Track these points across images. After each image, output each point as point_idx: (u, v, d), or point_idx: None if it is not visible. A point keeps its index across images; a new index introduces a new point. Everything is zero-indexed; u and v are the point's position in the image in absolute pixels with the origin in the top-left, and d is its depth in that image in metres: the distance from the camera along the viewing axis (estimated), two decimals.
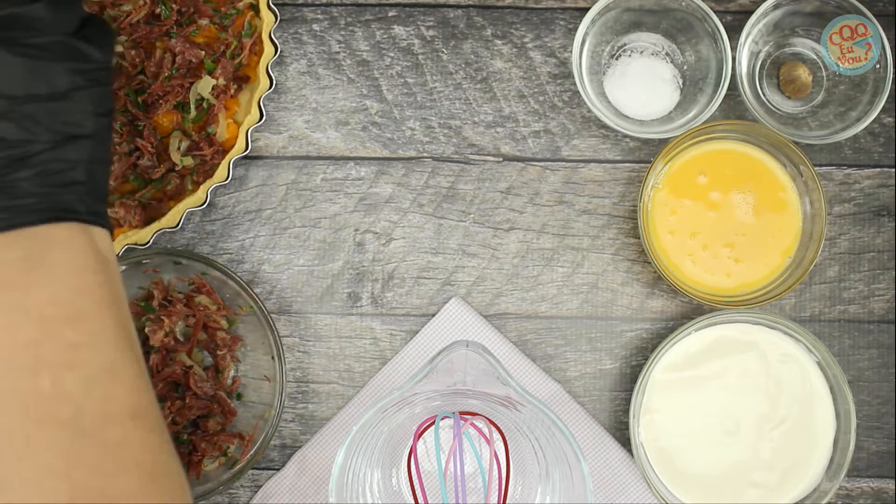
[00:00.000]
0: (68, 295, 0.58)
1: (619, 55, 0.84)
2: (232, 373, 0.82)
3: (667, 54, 0.84)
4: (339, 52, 0.85)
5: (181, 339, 0.81)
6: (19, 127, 0.59)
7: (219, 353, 0.81)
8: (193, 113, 0.80)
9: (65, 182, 0.60)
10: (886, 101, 0.80)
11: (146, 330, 0.80)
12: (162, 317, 0.80)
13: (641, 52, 0.83)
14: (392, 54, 0.85)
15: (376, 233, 0.84)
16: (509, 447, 0.74)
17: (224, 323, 0.81)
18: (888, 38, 0.80)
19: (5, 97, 0.59)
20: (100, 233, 0.61)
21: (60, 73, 0.60)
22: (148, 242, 0.79)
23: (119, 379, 0.58)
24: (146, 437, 0.57)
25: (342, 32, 0.85)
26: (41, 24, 0.60)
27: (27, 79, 0.59)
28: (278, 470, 0.83)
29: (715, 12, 0.80)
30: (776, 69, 0.85)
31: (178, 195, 0.80)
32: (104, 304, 0.59)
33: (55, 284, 0.58)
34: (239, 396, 0.82)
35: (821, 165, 0.84)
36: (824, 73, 0.84)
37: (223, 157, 0.80)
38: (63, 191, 0.60)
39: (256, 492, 0.83)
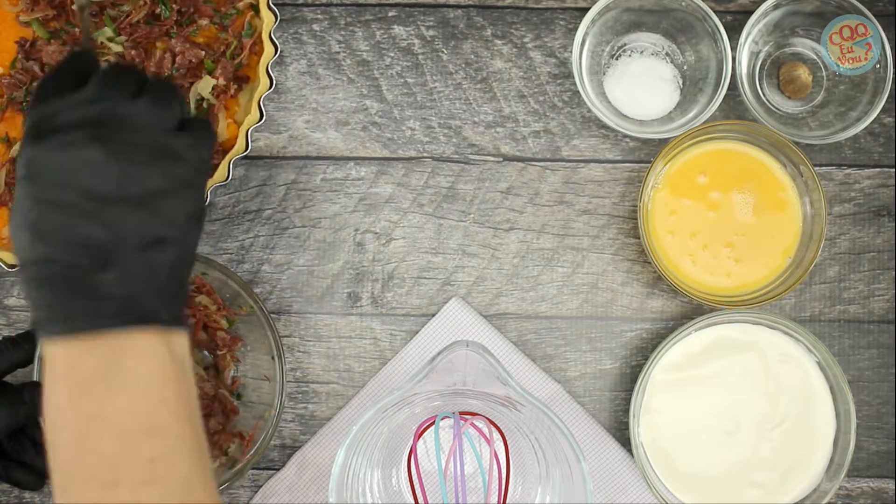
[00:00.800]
0: (147, 406, 0.57)
1: (619, 55, 0.84)
2: (232, 373, 0.82)
3: (667, 54, 0.84)
4: (339, 52, 0.85)
5: None
6: (106, 229, 0.57)
7: (218, 352, 0.81)
8: (193, 113, 0.80)
9: (148, 287, 0.58)
10: (886, 101, 0.80)
11: None
12: None
13: (641, 52, 0.83)
14: (392, 54, 0.85)
15: (376, 233, 0.84)
16: (509, 447, 0.74)
17: (224, 323, 0.81)
18: (888, 38, 0.80)
19: (95, 198, 0.56)
20: (179, 338, 0.60)
21: (155, 176, 0.58)
22: None
23: (192, 493, 0.57)
24: None
25: (342, 32, 0.85)
26: (139, 122, 0.58)
27: (120, 181, 0.57)
28: (278, 470, 0.83)
29: (715, 12, 0.80)
30: (776, 69, 0.85)
31: None
32: (181, 416, 0.58)
33: (134, 395, 0.57)
34: (239, 396, 0.82)
35: (821, 165, 0.84)
36: (824, 73, 0.84)
37: (223, 157, 0.80)
38: (146, 296, 0.58)
39: (256, 492, 0.83)
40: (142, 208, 0.58)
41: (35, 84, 0.80)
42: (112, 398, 0.56)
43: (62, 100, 0.58)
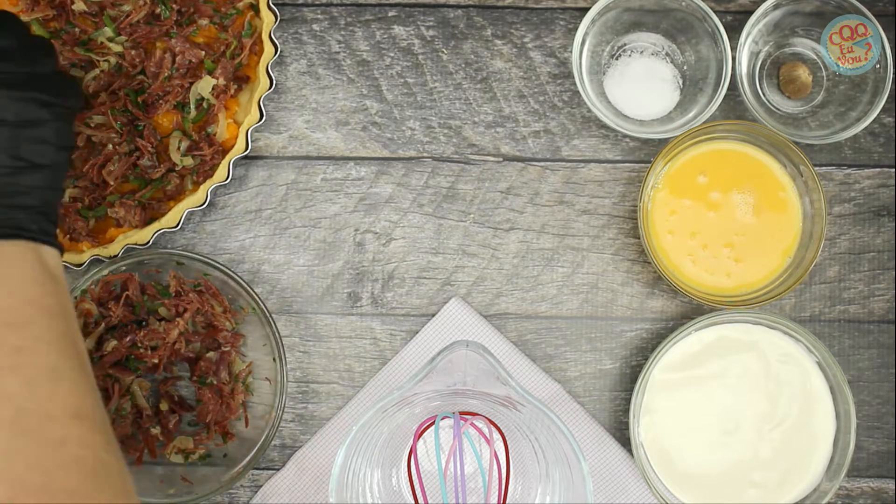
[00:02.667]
0: (13, 303, 0.61)
1: (619, 55, 0.84)
2: (238, 368, 0.82)
3: (667, 54, 0.84)
4: (339, 52, 0.85)
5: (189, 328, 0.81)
6: None
7: (223, 349, 0.81)
8: (193, 113, 0.80)
9: (19, 204, 0.64)
10: (886, 101, 0.80)
11: (160, 327, 0.80)
12: (177, 317, 0.80)
13: (641, 52, 0.83)
14: (392, 54, 0.85)
15: (376, 233, 0.84)
16: (509, 447, 0.74)
17: (228, 325, 0.81)
18: (888, 38, 0.80)
19: None
20: (49, 251, 0.65)
21: (27, 101, 0.65)
22: (148, 242, 0.79)
23: (62, 381, 0.60)
24: (88, 436, 0.59)
25: (342, 32, 0.85)
26: (15, 56, 0.65)
27: None
28: (278, 470, 0.83)
29: (715, 12, 0.80)
30: (776, 69, 0.85)
31: (178, 195, 0.80)
32: (49, 313, 0.62)
33: (1, 293, 0.61)
34: (247, 387, 0.82)
35: (821, 165, 0.84)
36: (824, 73, 0.84)
37: (223, 157, 0.80)
38: (16, 211, 0.64)
39: (256, 492, 0.83)
40: (15, 133, 0.64)
41: None
42: None
43: None
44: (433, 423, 0.74)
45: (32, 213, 0.65)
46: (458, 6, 0.85)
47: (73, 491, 0.56)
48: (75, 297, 0.78)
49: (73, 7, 0.80)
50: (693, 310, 0.84)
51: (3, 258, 0.63)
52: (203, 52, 0.80)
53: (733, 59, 0.80)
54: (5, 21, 0.68)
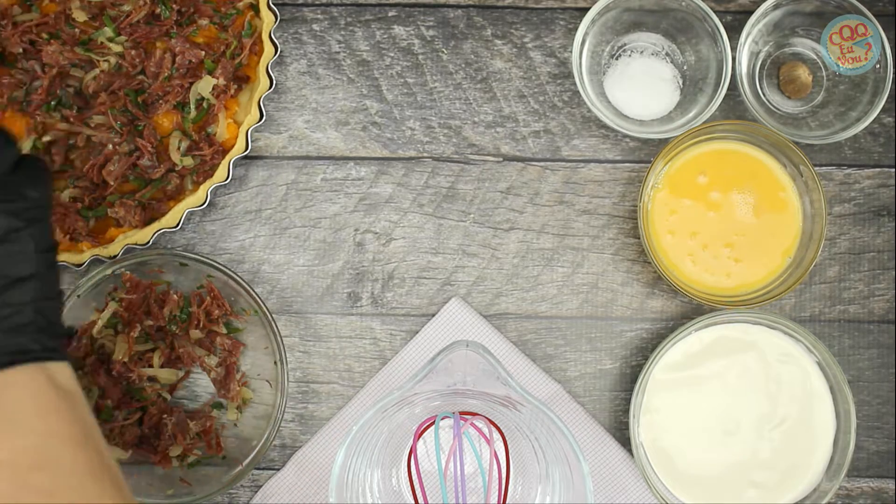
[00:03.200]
0: (35, 440, 0.58)
1: (619, 55, 0.84)
2: (237, 376, 0.82)
3: (667, 54, 0.84)
4: (339, 52, 0.85)
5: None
6: None
7: (220, 355, 0.82)
8: (193, 113, 0.80)
9: (14, 326, 0.60)
10: (886, 101, 0.80)
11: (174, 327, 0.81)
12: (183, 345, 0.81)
13: (641, 52, 0.83)
14: (392, 54, 0.85)
15: (376, 233, 0.84)
16: (509, 447, 0.74)
17: (223, 328, 0.81)
18: (888, 38, 0.80)
19: None
20: (58, 367, 0.62)
21: None
22: (148, 242, 0.79)
23: None
24: None
25: (342, 32, 0.85)
26: None
27: None
28: (278, 470, 0.83)
29: (715, 12, 0.80)
30: (776, 69, 0.85)
31: (178, 195, 0.80)
32: (73, 441, 0.59)
33: (21, 432, 0.58)
34: (245, 401, 0.83)
35: (821, 165, 0.84)
36: (824, 73, 0.84)
37: (223, 157, 0.80)
38: (15, 334, 0.60)
39: (256, 492, 0.83)
40: None
41: (35, 84, 0.80)
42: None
43: None
44: (433, 423, 0.74)
45: (31, 332, 0.61)
46: (458, 6, 0.85)
47: None
48: (84, 295, 0.78)
49: (74, 16, 0.80)
50: (693, 310, 0.84)
51: (13, 389, 0.59)
52: (203, 52, 0.80)
53: (733, 59, 0.80)
54: None
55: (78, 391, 0.62)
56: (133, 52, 0.80)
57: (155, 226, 0.79)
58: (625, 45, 0.84)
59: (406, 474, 0.76)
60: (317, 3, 0.85)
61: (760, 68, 0.84)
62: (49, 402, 0.59)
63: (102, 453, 0.61)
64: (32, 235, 0.61)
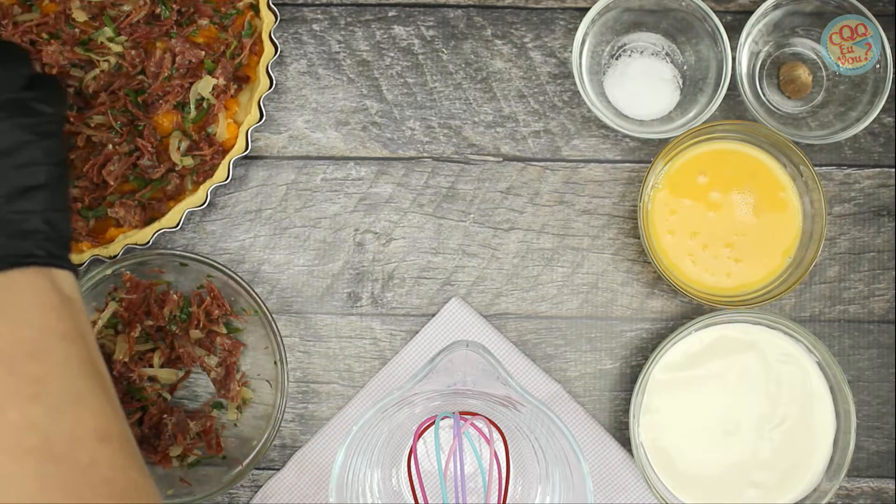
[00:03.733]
0: (31, 333, 0.61)
1: (619, 55, 0.84)
2: (237, 376, 0.82)
3: (667, 54, 0.84)
4: (339, 52, 0.85)
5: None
6: None
7: (219, 356, 0.82)
8: (193, 113, 0.80)
9: (22, 231, 0.63)
10: (886, 101, 0.80)
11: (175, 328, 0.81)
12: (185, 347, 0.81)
13: (641, 52, 0.83)
14: (392, 54, 0.85)
15: (376, 233, 0.84)
16: (509, 447, 0.74)
17: (223, 328, 0.81)
18: (888, 38, 0.80)
19: None
20: (62, 274, 0.64)
21: (9, 129, 0.63)
22: (148, 242, 0.79)
23: (86, 405, 0.60)
24: (116, 458, 0.59)
25: (342, 32, 0.85)
26: None
27: None
28: (278, 470, 0.83)
29: (715, 12, 0.80)
30: (776, 69, 0.85)
31: (178, 195, 0.80)
32: (67, 338, 0.62)
33: (19, 325, 0.60)
34: (245, 401, 0.82)
35: (821, 165, 0.84)
36: (824, 73, 0.84)
37: (223, 157, 0.80)
38: (22, 239, 0.63)
39: (256, 492, 0.83)
40: (3, 160, 0.62)
41: None
42: None
43: None
44: (433, 423, 0.74)
45: (38, 239, 0.63)
46: (458, 6, 0.85)
47: None
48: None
49: (74, 16, 0.80)
50: (693, 310, 0.84)
51: (15, 287, 0.62)
52: (203, 52, 0.80)
53: (733, 59, 0.80)
54: None
55: (79, 299, 0.65)
56: (133, 52, 0.80)
57: (155, 226, 0.79)
58: (625, 45, 0.84)
59: (406, 474, 0.76)
60: (317, 3, 0.85)
61: (760, 68, 0.84)
62: (49, 301, 0.62)
63: (95, 357, 0.63)
64: (43, 148, 0.64)
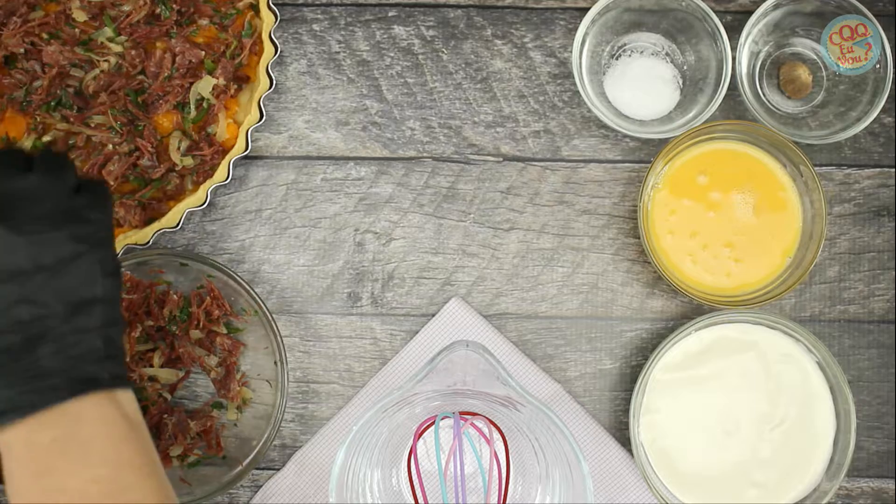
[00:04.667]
0: (107, 471, 0.58)
1: (619, 55, 0.84)
2: (237, 377, 0.82)
3: (667, 54, 0.84)
4: (339, 52, 0.85)
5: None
6: (31, 304, 0.58)
7: (219, 356, 0.82)
8: (193, 113, 0.80)
9: (84, 352, 0.59)
10: (886, 101, 0.80)
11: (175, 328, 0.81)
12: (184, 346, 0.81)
13: (641, 52, 0.83)
14: (392, 54, 0.85)
15: (376, 233, 0.84)
16: (509, 447, 0.74)
17: (223, 329, 0.81)
18: (888, 38, 0.80)
19: (15, 279, 0.58)
20: (125, 395, 0.61)
21: (63, 241, 0.59)
22: (148, 242, 0.79)
23: None
24: None
25: (342, 32, 0.85)
26: (37, 194, 0.60)
27: (31, 254, 0.58)
28: (278, 470, 0.83)
29: (715, 12, 0.80)
30: (776, 69, 0.85)
31: (178, 195, 0.80)
32: (143, 472, 0.60)
33: (93, 463, 0.58)
34: (245, 401, 0.82)
35: (821, 165, 0.84)
36: (824, 73, 0.84)
37: (223, 157, 0.80)
38: (85, 362, 0.59)
39: (256, 492, 0.83)
40: (59, 275, 0.59)
41: (35, 84, 0.80)
42: (74, 471, 0.57)
43: None
44: (433, 423, 0.74)
45: (100, 359, 0.60)
46: (458, 6, 0.85)
47: None
48: None
49: (74, 16, 0.80)
50: (693, 310, 0.84)
51: (85, 419, 0.58)
52: (203, 52, 0.80)
53: (733, 59, 0.80)
54: (18, 158, 0.62)
55: (142, 420, 0.62)
56: (133, 52, 0.80)
57: (155, 226, 0.79)
58: (625, 45, 0.84)
59: (406, 474, 0.76)
60: (317, 3, 0.85)
61: (760, 68, 0.84)
62: (120, 431, 0.59)
63: (166, 482, 0.61)
64: (98, 259, 0.61)
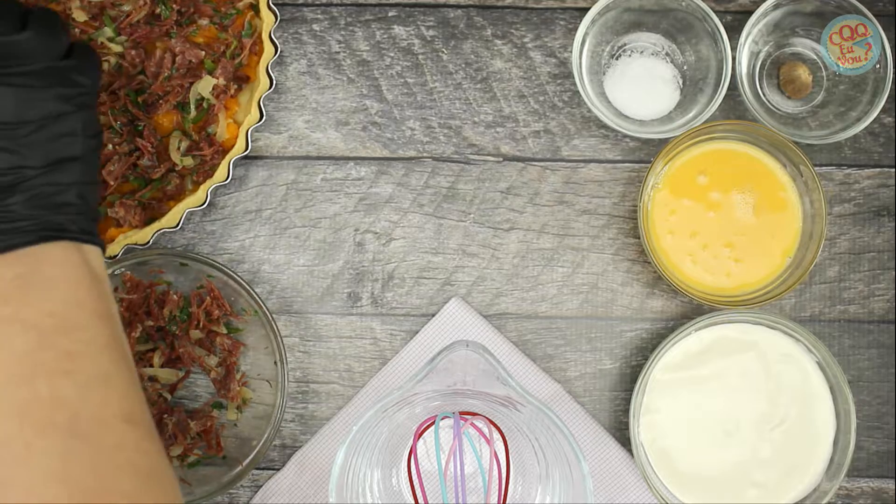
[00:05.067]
0: (63, 307, 0.60)
1: (619, 55, 0.84)
2: (237, 377, 0.82)
3: (667, 54, 0.84)
4: (339, 52, 0.85)
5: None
6: (11, 154, 0.61)
7: (219, 356, 0.82)
8: (193, 113, 0.80)
9: (57, 204, 0.63)
10: (886, 101, 0.80)
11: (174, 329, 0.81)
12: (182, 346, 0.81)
13: (641, 52, 0.83)
14: (392, 54, 0.85)
15: (376, 233, 0.84)
16: (509, 447, 0.74)
17: (223, 329, 0.81)
18: (888, 38, 0.80)
19: (1, 132, 0.61)
20: (92, 250, 0.64)
21: (49, 99, 0.63)
22: (148, 242, 0.79)
23: (113, 386, 0.60)
24: (140, 441, 0.59)
25: (342, 32, 0.85)
26: (28, 52, 0.62)
27: (18, 107, 0.62)
28: (278, 470, 0.83)
29: (715, 12, 0.80)
30: (776, 69, 0.85)
31: (178, 195, 0.80)
32: (97, 315, 0.61)
33: (50, 298, 0.60)
34: (245, 401, 0.82)
35: (821, 165, 0.84)
36: (824, 73, 0.84)
37: (223, 157, 0.80)
38: (55, 212, 0.62)
39: (256, 492, 0.83)
40: (41, 131, 0.62)
41: None
42: (29, 302, 0.59)
43: None
44: (433, 423, 0.74)
45: (71, 212, 0.63)
46: (458, 6, 0.85)
47: (129, 494, 0.56)
48: None
49: (74, 16, 0.80)
50: (693, 310, 0.84)
51: (48, 261, 0.62)
52: (203, 52, 0.80)
53: (733, 59, 0.80)
54: (14, 11, 0.63)
55: (106, 277, 0.65)
56: (133, 52, 0.80)
57: (155, 226, 0.79)
58: (625, 45, 0.84)
59: (406, 474, 0.76)
60: (317, 3, 0.85)
61: (760, 68, 0.84)
62: (79, 277, 0.62)
63: (121, 337, 0.63)
64: (81, 119, 0.64)
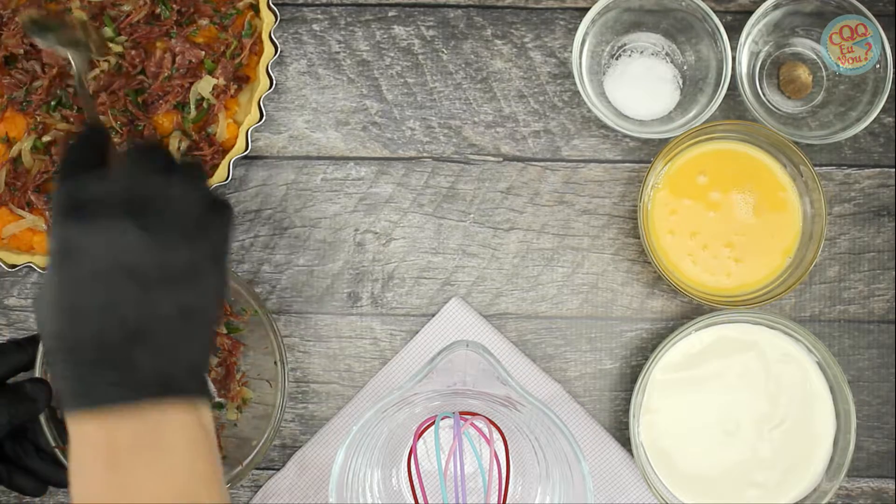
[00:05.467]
0: (182, 478, 0.58)
1: (619, 55, 0.84)
2: (237, 376, 0.82)
3: (667, 54, 0.84)
4: (339, 52, 0.85)
5: None
6: (145, 305, 0.57)
7: (219, 355, 0.82)
8: (193, 113, 0.80)
9: (181, 360, 0.59)
10: (886, 101, 0.80)
11: None
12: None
13: (641, 52, 0.83)
14: (392, 54, 0.85)
15: (376, 233, 0.84)
16: (509, 447, 0.74)
17: (224, 328, 0.81)
18: (888, 38, 0.80)
19: (135, 276, 0.57)
20: (204, 407, 0.61)
21: (192, 255, 0.59)
22: None
23: None
24: None
25: (342, 32, 0.85)
26: (176, 202, 0.59)
27: (162, 261, 0.58)
28: (278, 470, 0.83)
29: (715, 12, 0.80)
30: (776, 69, 0.85)
31: None
32: (213, 485, 0.59)
33: (169, 468, 0.58)
34: (245, 401, 0.82)
35: (821, 165, 0.84)
36: (824, 73, 0.84)
37: (223, 157, 0.80)
38: (179, 368, 0.59)
39: (256, 492, 0.83)
40: (178, 284, 0.58)
41: (35, 84, 0.80)
42: (149, 471, 0.57)
43: (91, 176, 0.58)
44: (433, 423, 0.74)
45: (193, 370, 0.59)
46: (458, 6, 0.85)
47: None
48: None
49: (73, 16, 0.80)
50: (693, 310, 0.84)
51: (168, 423, 0.58)
52: (203, 52, 0.80)
53: (733, 59, 0.80)
54: (163, 159, 0.61)
55: (214, 432, 0.62)
56: (133, 52, 0.80)
57: None
58: (625, 45, 0.84)
59: (406, 474, 0.76)
60: (317, 3, 0.85)
61: (760, 68, 0.84)
62: (198, 441, 0.59)
63: (227, 494, 0.61)
64: (217, 278, 0.61)
